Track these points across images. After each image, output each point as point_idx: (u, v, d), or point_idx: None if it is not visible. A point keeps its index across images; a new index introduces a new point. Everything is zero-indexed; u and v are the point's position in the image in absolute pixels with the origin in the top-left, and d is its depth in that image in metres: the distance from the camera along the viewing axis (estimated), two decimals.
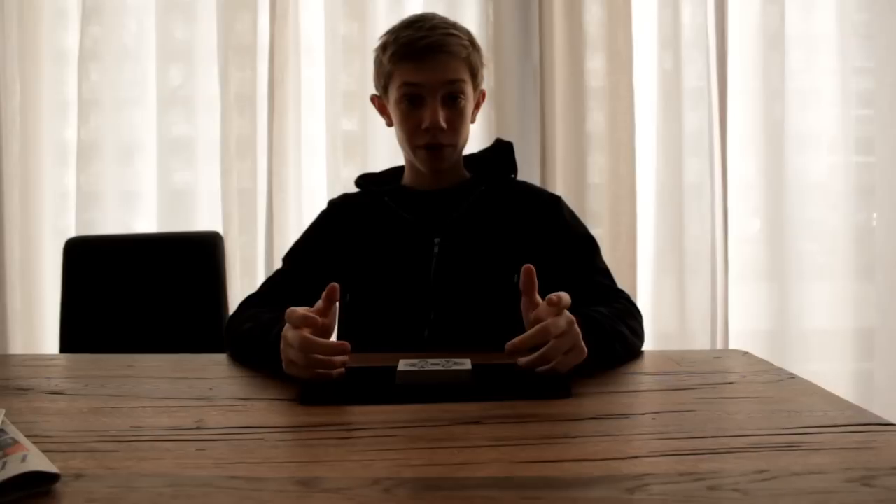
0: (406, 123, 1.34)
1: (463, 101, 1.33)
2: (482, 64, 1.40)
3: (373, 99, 1.44)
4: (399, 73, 1.32)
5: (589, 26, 2.46)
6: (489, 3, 2.46)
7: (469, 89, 1.35)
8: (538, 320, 0.98)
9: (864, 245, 2.51)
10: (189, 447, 0.74)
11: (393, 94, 1.34)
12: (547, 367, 0.96)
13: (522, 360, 0.98)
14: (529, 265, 1.03)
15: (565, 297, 0.98)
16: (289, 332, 1.00)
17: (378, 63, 1.38)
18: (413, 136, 1.33)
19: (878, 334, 2.50)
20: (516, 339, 0.97)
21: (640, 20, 2.48)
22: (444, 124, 1.30)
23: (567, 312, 0.99)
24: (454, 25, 1.36)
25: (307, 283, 1.37)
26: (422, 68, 1.30)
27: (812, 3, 2.51)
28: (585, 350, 1.00)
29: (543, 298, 1.42)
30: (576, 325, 0.99)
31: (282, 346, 1.01)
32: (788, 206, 2.48)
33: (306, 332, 0.98)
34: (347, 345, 0.98)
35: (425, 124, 1.30)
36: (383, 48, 1.35)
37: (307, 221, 1.49)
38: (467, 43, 1.35)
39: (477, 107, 1.43)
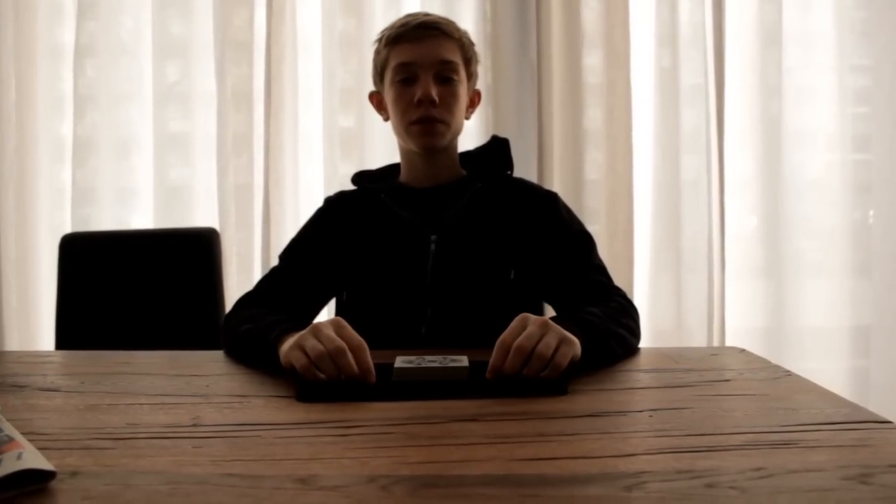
0: (400, 100, 1.35)
1: (456, 82, 1.36)
2: (476, 60, 1.43)
3: (371, 96, 1.46)
4: (394, 55, 1.36)
5: (586, 23, 2.46)
6: None
7: (462, 73, 1.38)
8: (504, 343, 0.96)
9: (861, 242, 2.51)
10: (186, 444, 0.74)
11: (388, 77, 1.37)
12: (546, 370, 0.95)
13: (524, 371, 0.95)
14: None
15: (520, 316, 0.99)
16: (330, 331, 0.97)
17: (375, 54, 1.42)
18: (406, 112, 1.35)
19: (874, 332, 2.50)
20: (495, 363, 0.95)
21: (637, 17, 2.48)
22: (436, 97, 1.32)
23: (535, 317, 0.98)
24: (448, 20, 1.40)
25: (304, 280, 1.38)
26: (415, 46, 1.34)
27: (809, 1, 2.51)
28: (577, 341, 1.00)
29: (545, 298, 1.43)
30: (551, 323, 0.98)
31: (307, 332, 0.98)
32: (785, 203, 2.49)
33: (346, 347, 0.95)
34: (373, 377, 0.96)
35: (418, 97, 1.32)
36: (380, 39, 1.40)
37: (304, 218, 1.49)
38: (461, 29, 1.40)
39: (472, 105, 1.44)
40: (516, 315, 1.00)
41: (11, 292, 2.45)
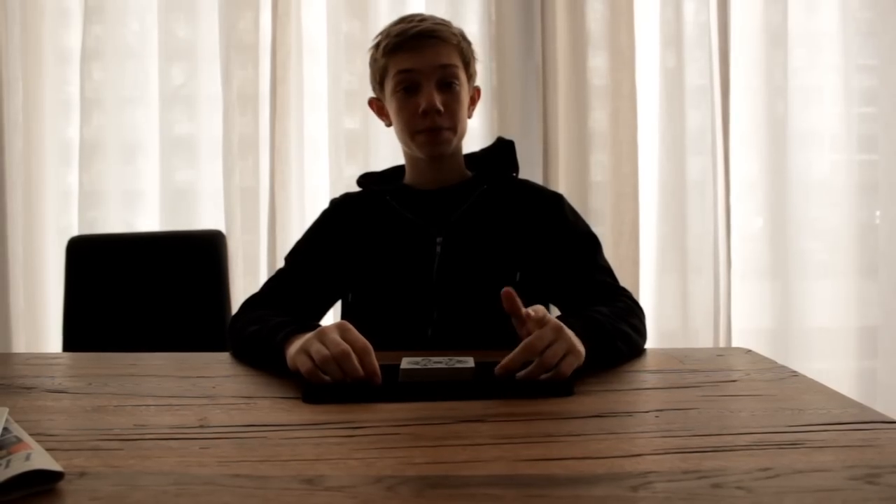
0: (404, 111, 1.34)
1: (458, 86, 1.35)
2: (474, 58, 1.42)
3: (370, 102, 1.45)
4: (393, 64, 1.34)
5: (591, 24, 2.46)
6: (491, 1, 2.46)
7: (463, 76, 1.36)
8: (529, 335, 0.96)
9: (867, 243, 2.51)
10: (192, 445, 0.75)
11: (389, 86, 1.36)
12: (548, 374, 0.95)
13: (520, 373, 0.96)
14: (507, 289, 0.98)
15: (540, 308, 0.99)
16: (335, 335, 0.98)
17: (372, 61, 1.40)
18: (411, 122, 1.34)
19: (881, 332, 2.50)
20: (505, 360, 0.96)
21: (642, 18, 2.48)
22: (440, 107, 1.31)
23: (553, 319, 0.98)
24: (443, 20, 1.39)
25: (309, 282, 1.38)
26: (414, 55, 1.32)
27: (815, 1, 2.50)
28: (583, 351, 1.00)
29: (551, 299, 1.43)
30: (565, 330, 0.98)
31: (313, 336, 0.99)
32: (791, 204, 2.48)
33: (351, 350, 0.96)
34: (379, 379, 0.97)
35: (422, 107, 1.31)
36: (376, 46, 1.38)
37: (309, 220, 1.49)
38: (457, 32, 1.38)
39: (472, 103, 1.44)
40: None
41: (19, 294, 2.46)
